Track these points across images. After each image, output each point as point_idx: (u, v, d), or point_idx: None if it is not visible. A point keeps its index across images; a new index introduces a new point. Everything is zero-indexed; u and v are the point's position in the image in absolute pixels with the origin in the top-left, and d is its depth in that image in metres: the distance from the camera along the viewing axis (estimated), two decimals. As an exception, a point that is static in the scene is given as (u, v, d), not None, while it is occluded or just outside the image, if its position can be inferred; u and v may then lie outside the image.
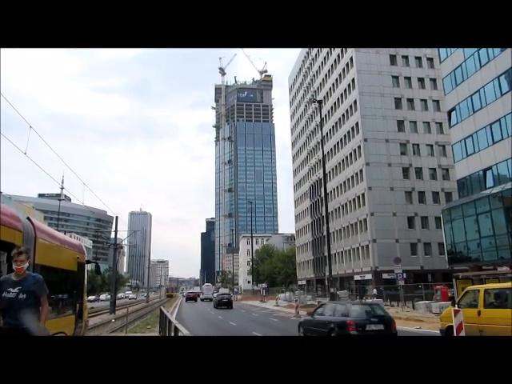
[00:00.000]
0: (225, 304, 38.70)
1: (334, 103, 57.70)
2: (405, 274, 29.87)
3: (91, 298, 67.37)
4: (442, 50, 35.36)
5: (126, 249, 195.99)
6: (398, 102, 50.49)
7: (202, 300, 60.20)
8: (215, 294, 53.72)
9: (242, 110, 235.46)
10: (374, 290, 42.10)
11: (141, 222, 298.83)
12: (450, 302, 19.53)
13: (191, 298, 60.86)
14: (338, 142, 56.07)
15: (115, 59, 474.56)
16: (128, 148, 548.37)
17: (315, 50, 67.53)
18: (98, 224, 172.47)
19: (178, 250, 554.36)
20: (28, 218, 7.18)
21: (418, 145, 49.72)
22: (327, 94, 60.71)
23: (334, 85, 58.34)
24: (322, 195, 50.58)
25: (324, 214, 48.73)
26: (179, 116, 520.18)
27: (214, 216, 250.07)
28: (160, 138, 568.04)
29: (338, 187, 55.85)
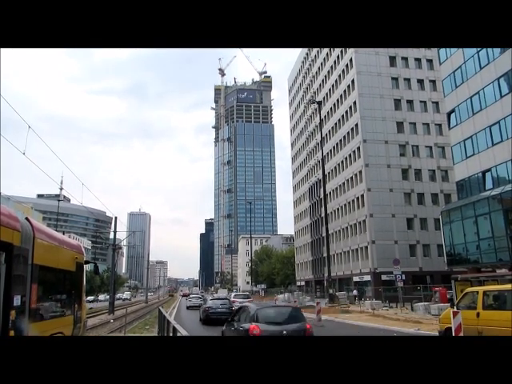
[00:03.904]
0: (200, 299, 61.98)
1: (334, 104, 57.73)
2: (404, 276, 29.84)
3: (90, 298, 67.36)
4: (442, 52, 35.32)
5: (124, 249, 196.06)
6: (397, 104, 50.50)
7: None
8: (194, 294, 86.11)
9: (242, 111, 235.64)
10: (355, 291, 42.58)
11: (140, 223, 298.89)
12: (448, 304, 19.51)
13: (186, 295, 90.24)
14: (337, 143, 56.11)
15: (113, 61, 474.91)
16: (127, 149, 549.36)
17: (315, 51, 67.59)
18: (97, 224, 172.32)
19: (176, 251, 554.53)
20: (26, 219, 7.16)
21: (417, 146, 49.74)
22: (327, 95, 60.76)
23: (333, 86, 58.38)
24: (322, 196, 50.59)
25: (323, 214, 48.78)
26: (178, 117, 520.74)
27: (213, 217, 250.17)
28: (159, 138, 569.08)
29: (337, 188, 55.87)
